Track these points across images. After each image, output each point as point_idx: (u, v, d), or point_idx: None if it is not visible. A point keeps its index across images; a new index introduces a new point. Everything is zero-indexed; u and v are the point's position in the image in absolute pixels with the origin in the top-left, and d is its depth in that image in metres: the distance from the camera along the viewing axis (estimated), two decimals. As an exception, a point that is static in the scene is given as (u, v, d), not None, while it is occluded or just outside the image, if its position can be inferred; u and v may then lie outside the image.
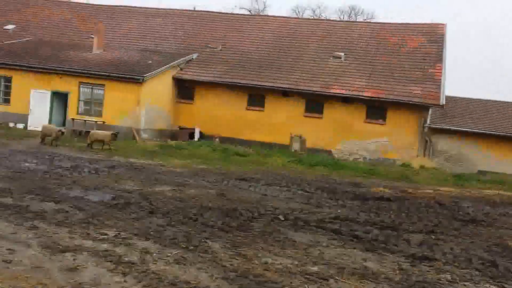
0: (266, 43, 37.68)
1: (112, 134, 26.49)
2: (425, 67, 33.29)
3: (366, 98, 31.50)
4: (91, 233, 9.96)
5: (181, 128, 34.46)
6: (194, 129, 34.11)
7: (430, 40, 35.65)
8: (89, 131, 29.77)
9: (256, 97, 34.06)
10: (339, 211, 14.61)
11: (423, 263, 9.86)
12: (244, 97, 34.20)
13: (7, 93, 34.00)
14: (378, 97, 31.31)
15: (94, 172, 18.60)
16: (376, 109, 32.00)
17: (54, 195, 13.42)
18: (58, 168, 18.70)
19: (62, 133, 25.85)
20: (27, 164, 18.72)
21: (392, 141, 31.61)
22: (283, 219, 12.71)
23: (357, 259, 9.78)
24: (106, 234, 9.97)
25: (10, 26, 41.75)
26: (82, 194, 13.94)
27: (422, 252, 10.63)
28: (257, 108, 33.97)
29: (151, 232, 10.40)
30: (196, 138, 33.49)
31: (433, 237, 12.21)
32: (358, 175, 24.96)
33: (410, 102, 30.98)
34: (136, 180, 17.35)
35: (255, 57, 36.18)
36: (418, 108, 31.39)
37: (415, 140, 31.50)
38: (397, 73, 33.18)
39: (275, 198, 16.10)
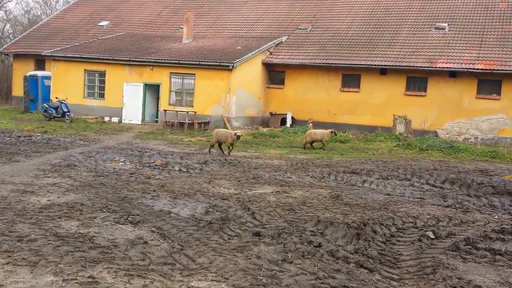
0: (360, 19, 33.01)
1: (330, 132, 22.27)
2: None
3: (477, 71, 26.34)
4: (175, 288, 6.20)
5: (272, 114, 30.65)
6: (285, 114, 30.26)
7: (547, 2, 30.10)
8: (184, 122, 27.44)
9: (351, 77, 29.66)
10: (496, 217, 10.35)
11: None
12: (337, 78, 29.88)
13: (102, 87, 31.87)
14: (492, 69, 26.01)
15: (185, 170, 15.12)
16: (489, 83, 26.72)
17: (134, 210, 9.79)
18: (146, 167, 15.25)
19: (238, 137, 19.03)
20: (112, 165, 15.36)
21: (508, 118, 26.31)
22: (433, 236, 8.58)
23: None
24: (197, 288, 6.19)
25: (104, 23, 40.01)
26: (169, 207, 10.27)
27: None
28: (353, 89, 29.55)
29: (263, 279, 6.51)
30: (288, 124, 29.66)
31: None
32: (478, 159, 20.36)
33: (530, 72, 25.58)
34: (232, 180, 13.69)
35: (348, 35, 31.65)
36: (540, 79, 25.82)
37: (536, 115, 26.14)
38: (513, 41, 27.83)
39: (402, 199, 11.99)
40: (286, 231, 8.62)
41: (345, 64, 29.14)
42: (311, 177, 14.61)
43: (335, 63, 29.34)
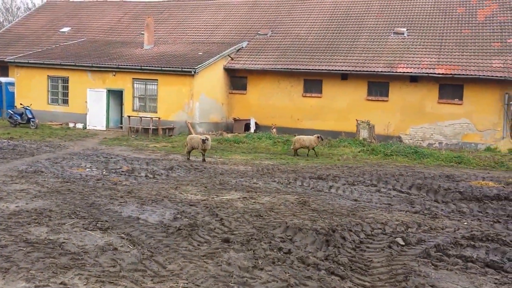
0: (319, 25, 33.08)
1: (317, 137, 21.83)
2: (504, 37, 28.05)
3: (438, 75, 26.40)
4: (148, 294, 6.15)
5: (235, 120, 30.59)
6: (249, 120, 30.23)
7: (503, 7, 30.47)
8: (148, 128, 27.35)
9: (313, 82, 29.67)
10: (465, 223, 10.39)
11: None
12: (299, 84, 29.93)
13: (65, 93, 31.47)
14: (453, 74, 26.10)
15: (151, 176, 15.05)
16: (451, 88, 26.82)
17: (102, 216, 9.74)
18: (113, 173, 15.15)
19: (203, 140, 18.56)
20: (79, 171, 15.15)
21: (472, 123, 26.47)
22: (403, 243, 8.63)
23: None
24: (169, 295, 6.14)
25: (65, 29, 39.56)
26: (137, 213, 10.22)
27: None
28: (315, 95, 29.58)
29: (234, 286, 6.48)
30: (252, 130, 29.63)
31: None
32: (444, 164, 20.47)
33: (491, 77, 25.60)
34: (199, 186, 13.62)
35: (309, 40, 31.69)
36: (501, 83, 25.75)
37: (499, 120, 26.07)
38: (472, 46, 27.98)
39: (370, 205, 12.02)
40: (255, 238, 8.61)
41: (306, 69, 29.13)
42: (278, 183, 14.59)
43: (296, 68, 29.33)
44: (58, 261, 7.15)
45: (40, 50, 34.59)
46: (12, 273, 6.63)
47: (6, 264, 6.92)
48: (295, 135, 25.55)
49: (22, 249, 7.58)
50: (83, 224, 9.12)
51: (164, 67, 28.59)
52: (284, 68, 29.63)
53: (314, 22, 33.48)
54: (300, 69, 29.28)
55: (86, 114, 30.33)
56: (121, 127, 29.93)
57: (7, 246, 7.71)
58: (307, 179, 15.25)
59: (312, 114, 29.41)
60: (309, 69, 29.06)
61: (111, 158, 18.24)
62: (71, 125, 30.30)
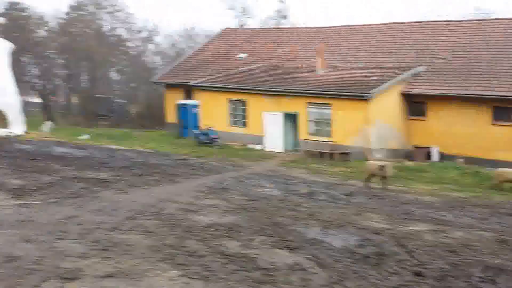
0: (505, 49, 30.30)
1: None
2: None
3: None
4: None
5: (416, 148, 29.51)
6: (430, 148, 28.92)
7: None
8: (323, 152, 27.45)
9: (504, 110, 27.33)
10: None
11: None
12: (487, 111, 27.87)
13: (244, 116, 33.01)
14: None
15: (331, 200, 15.05)
16: None
17: (288, 236, 9.93)
18: (293, 194, 15.49)
19: (381, 167, 18.49)
20: (262, 190, 15.82)
21: None
22: None
23: None
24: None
25: (242, 55, 41.40)
26: (321, 236, 10.21)
27: None
28: (507, 123, 27.21)
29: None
30: (434, 159, 28.26)
31: None
32: None
33: None
34: (382, 214, 13.28)
35: (493, 65, 29.36)
36: None
37: None
38: None
39: None
40: (451, 274, 8.15)
41: (494, 95, 27.17)
42: (471, 217, 13.71)
43: (483, 94, 27.51)
44: (252, 275, 7.45)
45: (221, 75, 36.50)
46: (212, 281, 7.04)
47: (206, 273, 7.37)
48: (486, 167, 23.79)
49: (218, 260, 8.01)
50: (271, 242, 9.36)
51: (337, 91, 28.75)
52: (469, 94, 28.04)
53: (498, 46, 31.14)
54: (487, 95, 27.46)
55: (263, 136, 31.41)
56: (296, 150, 30.45)
57: (205, 256, 8.20)
58: (505, 215, 14.17)
59: (504, 144, 27.07)
60: (499, 95, 27.14)
61: (291, 180, 18.67)
62: (249, 146, 31.54)
